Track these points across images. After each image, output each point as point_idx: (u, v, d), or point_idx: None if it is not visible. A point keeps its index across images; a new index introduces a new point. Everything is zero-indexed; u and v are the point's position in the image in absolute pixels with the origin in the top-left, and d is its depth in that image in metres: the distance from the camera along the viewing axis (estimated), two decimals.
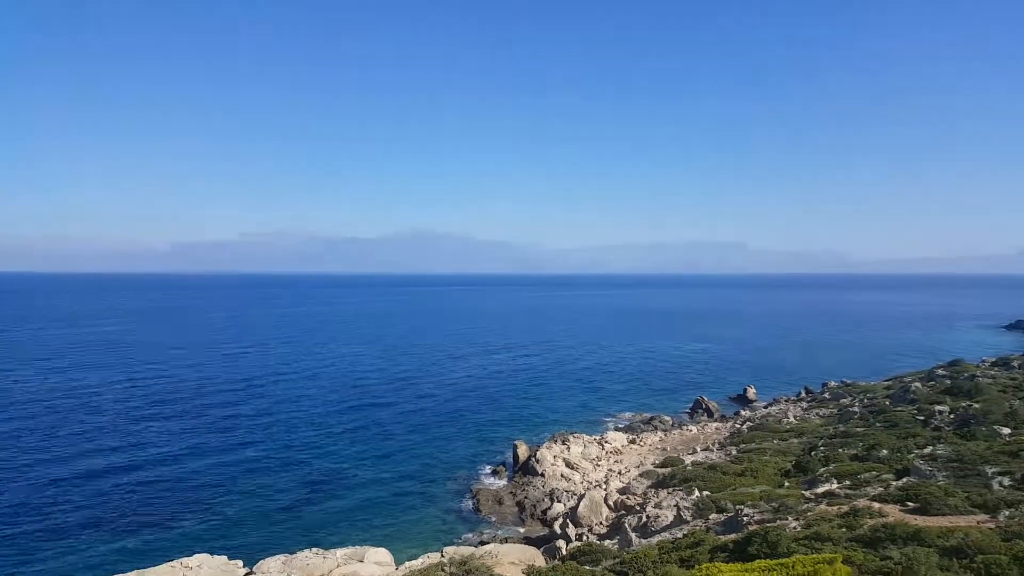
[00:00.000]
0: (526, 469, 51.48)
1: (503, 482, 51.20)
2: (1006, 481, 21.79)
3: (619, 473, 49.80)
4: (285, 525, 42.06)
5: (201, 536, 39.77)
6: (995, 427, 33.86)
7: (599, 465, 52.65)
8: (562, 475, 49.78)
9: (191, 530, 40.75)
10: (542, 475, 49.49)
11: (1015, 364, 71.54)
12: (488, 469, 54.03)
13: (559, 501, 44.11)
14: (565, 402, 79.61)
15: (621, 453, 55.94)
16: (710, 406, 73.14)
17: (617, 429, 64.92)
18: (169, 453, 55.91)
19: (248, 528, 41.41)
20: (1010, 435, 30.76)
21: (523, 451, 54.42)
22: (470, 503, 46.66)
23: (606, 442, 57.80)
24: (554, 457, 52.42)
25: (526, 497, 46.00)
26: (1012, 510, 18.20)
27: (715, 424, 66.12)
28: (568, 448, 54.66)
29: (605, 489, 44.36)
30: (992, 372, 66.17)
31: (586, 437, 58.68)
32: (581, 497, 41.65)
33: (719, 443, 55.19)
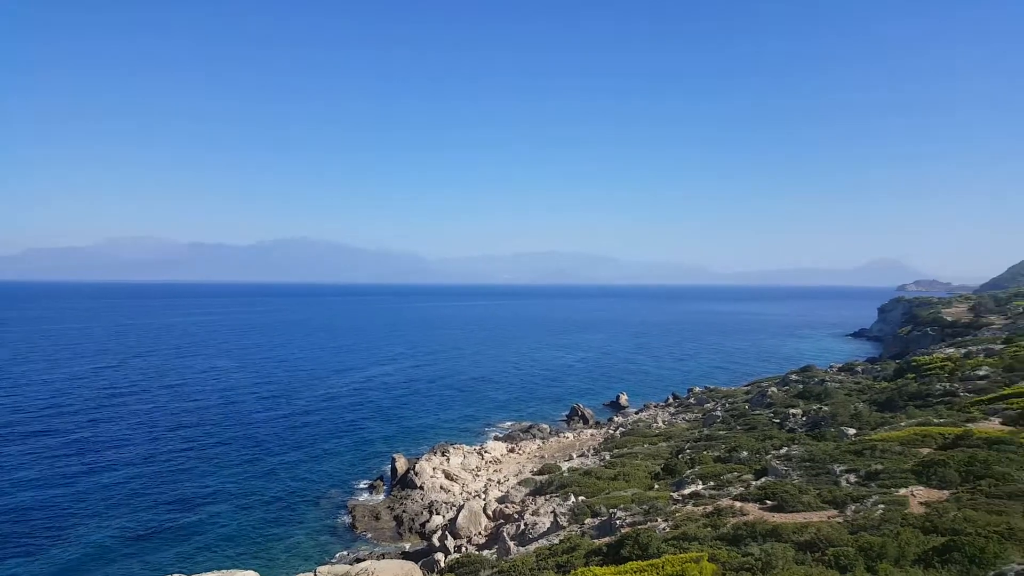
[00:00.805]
0: (405, 482, 50.47)
1: (381, 497, 49.94)
2: (852, 478, 23.61)
3: (498, 482, 49.90)
4: (149, 550, 38.96)
5: (63, 567, 36.17)
6: (842, 428, 36.75)
7: (479, 475, 52.56)
8: (441, 487, 49.23)
9: (57, 558, 37.00)
10: (421, 488, 48.69)
11: (858, 369, 78.52)
12: (365, 484, 52.54)
13: (438, 513, 43.52)
14: (446, 413, 79.04)
15: (501, 462, 56.15)
16: (586, 413, 75.13)
17: (497, 439, 65.19)
18: (18, 479, 50.33)
19: (112, 555, 38.06)
20: (855, 435, 33.50)
21: (401, 464, 53.35)
22: (346, 519, 45.11)
23: (486, 452, 57.84)
24: (433, 469, 51.76)
25: (404, 511, 45.06)
26: (858, 504, 19.71)
27: (590, 431, 67.94)
28: (448, 459, 54.18)
29: (484, 499, 44.25)
30: (839, 377, 72.18)
31: (466, 448, 58.45)
32: (460, 508, 41.30)
33: (594, 449, 56.68)
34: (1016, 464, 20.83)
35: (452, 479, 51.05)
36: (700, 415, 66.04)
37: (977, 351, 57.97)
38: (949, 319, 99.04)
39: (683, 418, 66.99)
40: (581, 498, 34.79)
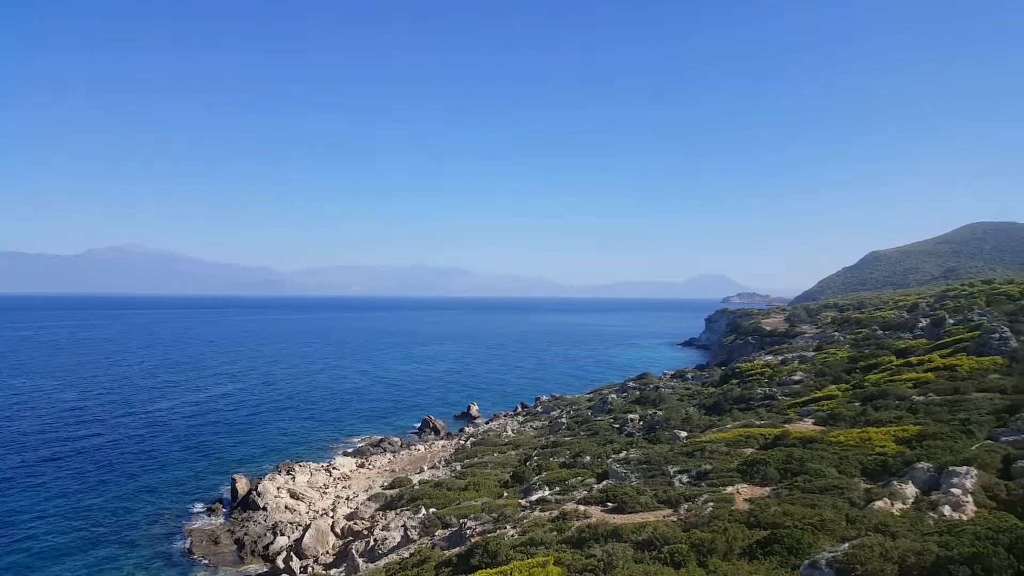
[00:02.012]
0: (247, 504, 47.44)
1: (220, 520, 46.61)
2: (685, 478, 25.16)
3: (347, 499, 48.24)
4: None
5: None
6: (675, 431, 39.15)
7: (326, 493, 50.50)
8: (286, 507, 46.77)
9: None
10: (264, 508, 45.97)
11: (689, 376, 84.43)
12: (203, 507, 48.81)
13: (283, 534, 41.29)
14: (293, 430, 75.25)
15: (350, 478, 54.36)
16: (437, 425, 74.76)
17: (346, 454, 63.09)
18: None
19: None
20: (687, 437, 35.80)
21: (242, 485, 50.10)
22: (182, 545, 41.61)
23: (334, 468, 55.77)
24: (278, 488, 49.10)
25: (246, 533, 42.30)
26: (690, 503, 20.98)
27: (442, 442, 67.67)
28: (293, 478, 51.64)
29: (332, 517, 42.59)
30: (672, 383, 77.11)
31: (313, 465, 56.00)
32: (307, 527, 39.46)
33: (445, 460, 56.46)
34: (827, 461, 23.16)
35: (298, 498, 48.67)
36: (547, 423, 67.88)
37: (792, 358, 64.23)
38: (768, 329, 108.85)
39: (531, 426, 68.53)
40: (432, 510, 34.42)
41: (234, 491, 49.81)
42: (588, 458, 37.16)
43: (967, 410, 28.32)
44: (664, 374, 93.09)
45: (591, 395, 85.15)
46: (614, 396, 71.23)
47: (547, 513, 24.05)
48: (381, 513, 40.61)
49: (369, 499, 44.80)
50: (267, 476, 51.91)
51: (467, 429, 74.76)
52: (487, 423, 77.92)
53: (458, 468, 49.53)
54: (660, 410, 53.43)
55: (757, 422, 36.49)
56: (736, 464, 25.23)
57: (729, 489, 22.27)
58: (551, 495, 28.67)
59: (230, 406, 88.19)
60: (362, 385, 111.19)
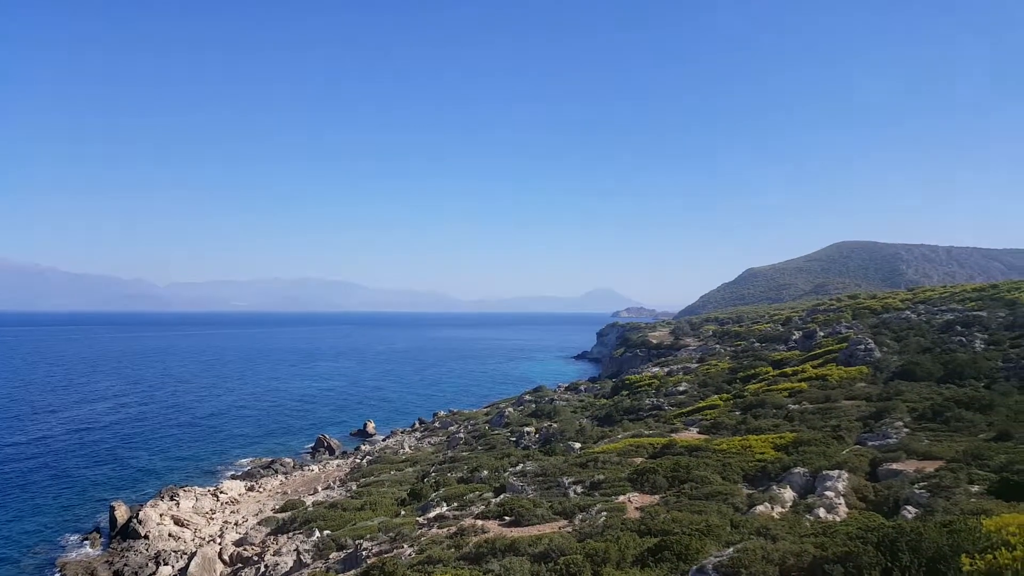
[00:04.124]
0: (127, 533, 44.08)
1: (98, 551, 43.09)
2: (579, 489, 25.56)
3: (236, 524, 45.74)
4: None
5: None
6: (570, 442, 39.82)
7: (213, 518, 47.69)
8: (170, 534, 43.79)
9: None
10: (146, 537, 42.88)
11: (582, 388, 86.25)
12: (77, 538, 45.01)
13: (166, 563, 38.66)
14: (177, 454, 70.57)
15: (239, 503, 51.61)
16: (332, 443, 72.46)
17: (235, 477, 59.90)
18: None
19: None
20: (580, 449, 36.47)
21: (122, 513, 46.51)
22: None
23: (221, 492, 52.78)
24: (160, 516, 45.91)
25: (126, 564, 39.29)
26: (584, 513, 21.31)
27: (337, 461, 65.58)
28: (177, 504, 48.44)
29: (220, 543, 40.23)
30: (566, 396, 78.56)
31: (199, 489, 52.76)
32: (192, 555, 37.07)
33: (340, 480, 54.75)
34: (711, 468, 24.21)
35: (183, 525, 45.69)
36: (445, 438, 67.33)
37: (677, 369, 67.02)
38: (655, 342, 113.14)
39: (429, 442, 67.75)
40: (326, 532, 33.19)
41: (113, 519, 46.26)
42: (486, 472, 37.09)
43: (837, 417, 30.47)
44: (559, 387, 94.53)
45: (488, 409, 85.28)
46: (511, 410, 71.67)
47: (445, 530, 23.74)
48: (272, 537, 38.78)
49: (259, 523, 42.69)
50: (149, 503, 48.46)
51: (363, 447, 72.92)
52: (384, 440, 76.33)
53: (354, 487, 48.14)
54: (555, 422, 54.22)
55: (646, 432, 37.71)
56: (627, 473, 25.90)
57: (621, 498, 22.82)
58: (449, 511, 28.34)
59: (107, 430, 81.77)
60: (250, 405, 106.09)
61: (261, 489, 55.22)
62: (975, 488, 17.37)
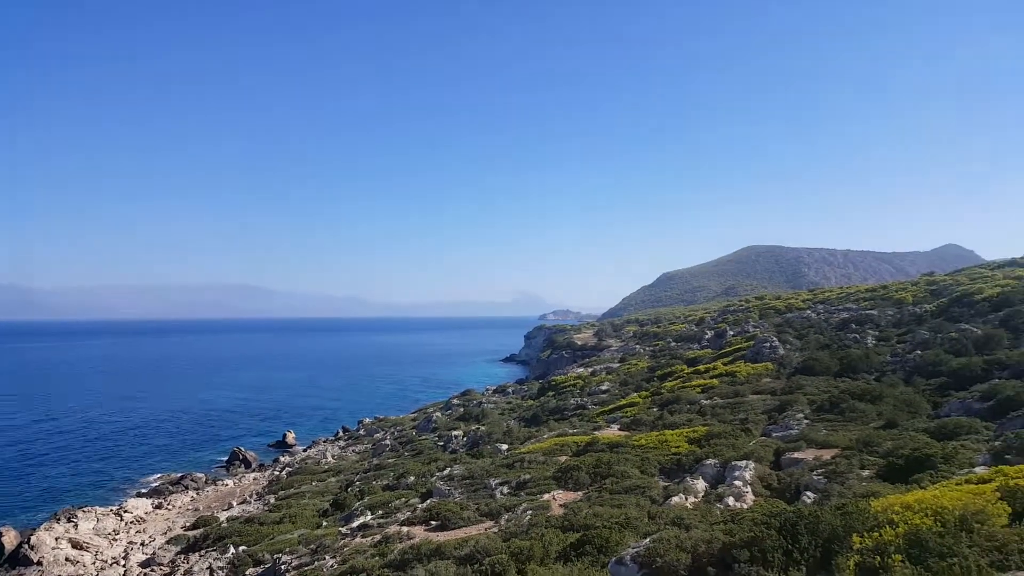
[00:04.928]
0: (16, 560, 41.12)
1: None
2: (505, 489, 25.95)
3: (142, 544, 43.58)
4: None
5: None
6: (497, 444, 40.24)
7: (117, 539, 45.23)
8: (67, 559, 41.21)
9: None
10: (39, 564, 40.17)
11: (509, 390, 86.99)
12: None
13: None
14: (76, 472, 66.36)
15: (145, 521, 49.17)
16: (247, 456, 70.11)
17: (140, 495, 57.03)
18: None
19: None
20: (507, 450, 36.93)
21: (11, 538, 43.41)
22: None
23: (126, 512, 50.14)
24: (56, 539, 43.14)
25: None
26: (510, 513, 21.70)
27: (253, 474, 63.53)
28: (76, 525, 45.67)
29: (124, 565, 38.31)
30: (494, 398, 79.03)
31: (100, 510, 49.92)
32: None
33: (257, 493, 53.11)
34: (631, 463, 25.10)
35: (82, 548, 43.10)
36: (371, 446, 66.43)
37: (600, 369, 68.66)
38: (579, 343, 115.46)
39: (353, 450, 66.68)
40: (242, 548, 32.26)
41: (0, 546, 43.13)
42: (412, 478, 36.97)
43: (745, 411, 32.14)
44: (487, 389, 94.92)
45: (416, 414, 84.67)
46: (438, 414, 71.49)
47: (369, 538, 23.60)
48: (183, 556, 37.30)
49: (168, 542, 40.95)
50: (42, 526, 45.45)
51: (283, 458, 70.89)
52: (305, 451, 74.46)
53: (272, 501, 46.86)
54: (483, 425, 54.52)
55: (571, 431, 38.58)
56: (552, 472, 26.51)
57: (546, 496, 23.35)
58: (373, 520, 28.16)
59: (3, 448, 76.25)
60: (156, 418, 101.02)
61: (170, 506, 52.87)
62: (866, 473, 18.82)
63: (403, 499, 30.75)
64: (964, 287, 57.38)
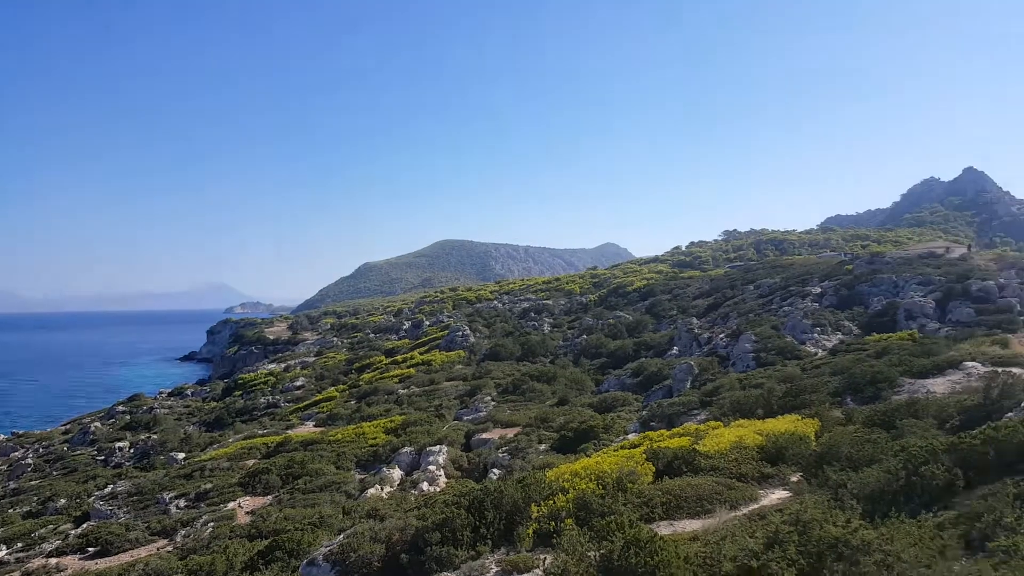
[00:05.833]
0: None
1: None
2: (182, 503, 23.41)
3: None
4: None
5: None
6: (172, 454, 36.23)
7: None
8: None
9: None
10: None
11: (189, 392, 79.00)
12: None
13: None
14: None
15: None
16: None
17: None
18: None
19: None
20: (185, 459, 33.45)
21: None
22: None
23: None
24: None
25: None
26: (188, 528, 19.63)
27: None
28: None
29: None
30: (168, 403, 71.07)
31: None
32: None
33: None
34: (326, 460, 24.44)
35: None
36: (6, 467, 55.09)
37: (295, 364, 66.06)
38: (272, 337, 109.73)
39: None
40: None
41: None
42: (63, 501, 31.47)
43: (440, 397, 33.55)
44: (160, 393, 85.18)
45: (68, 426, 72.25)
46: (98, 424, 62.06)
47: None
48: None
49: None
50: None
51: None
52: None
53: None
54: (155, 433, 49.00)
55: (261, 431, 36.47)
56: (238, 478, 24.70)
57: (231, 505, 21.65)
58: (9, 555, 23.33)
59: None
60: None
61: None
62: (543, 446, 20.89)
63: (51, 526, 26.03)
64: (619, 280, 67.36)
